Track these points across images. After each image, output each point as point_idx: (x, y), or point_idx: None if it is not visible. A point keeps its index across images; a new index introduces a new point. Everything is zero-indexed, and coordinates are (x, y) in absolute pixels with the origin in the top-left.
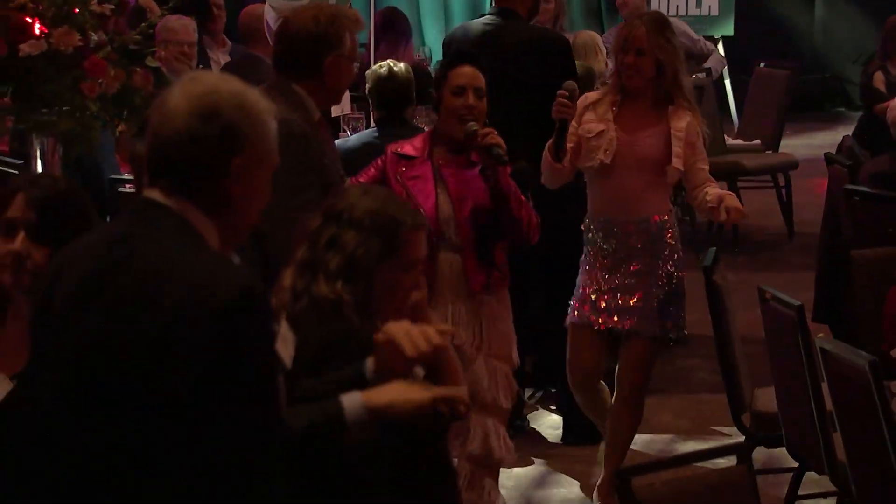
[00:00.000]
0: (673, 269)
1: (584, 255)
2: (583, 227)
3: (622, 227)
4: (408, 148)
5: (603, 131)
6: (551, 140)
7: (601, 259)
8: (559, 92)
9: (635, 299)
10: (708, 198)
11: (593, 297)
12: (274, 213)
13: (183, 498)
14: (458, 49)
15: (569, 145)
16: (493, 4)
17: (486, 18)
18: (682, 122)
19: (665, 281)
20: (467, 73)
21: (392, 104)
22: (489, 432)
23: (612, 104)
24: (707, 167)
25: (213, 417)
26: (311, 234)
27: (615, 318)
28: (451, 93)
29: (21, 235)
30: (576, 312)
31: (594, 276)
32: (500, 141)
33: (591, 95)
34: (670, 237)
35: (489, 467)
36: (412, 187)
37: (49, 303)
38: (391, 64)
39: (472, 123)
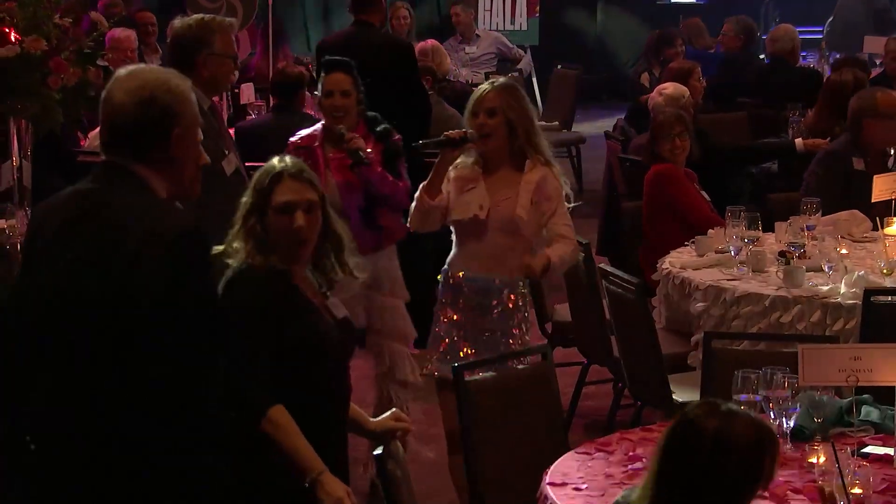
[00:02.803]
0: (519, 331)
1: (439, 303)
2: (440, 278)
3: (484, 284)
4: (305, 139)
5: (474, 187)
6: (427, 180)
7: (459, 309)
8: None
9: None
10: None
11: (448, 347)
12: None
13: (148, 391)
14: (327, 54)
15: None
16: (354, 18)
17: (348, 29)
18: (535, 176)
19: (517, 333)
20: (333, 79)
21: (286, 94)
22: (394, 353)
23: (476, 164)
24: (565, 223)
25: (171, 327)
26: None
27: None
28: (323, 96)
29: None
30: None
31: (452, 328)
32: (362, 144)
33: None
34: (522, 304)
35: (397, 383)
36: None
37: (33, 247)
38: (287, 64)
39: (340, 126)
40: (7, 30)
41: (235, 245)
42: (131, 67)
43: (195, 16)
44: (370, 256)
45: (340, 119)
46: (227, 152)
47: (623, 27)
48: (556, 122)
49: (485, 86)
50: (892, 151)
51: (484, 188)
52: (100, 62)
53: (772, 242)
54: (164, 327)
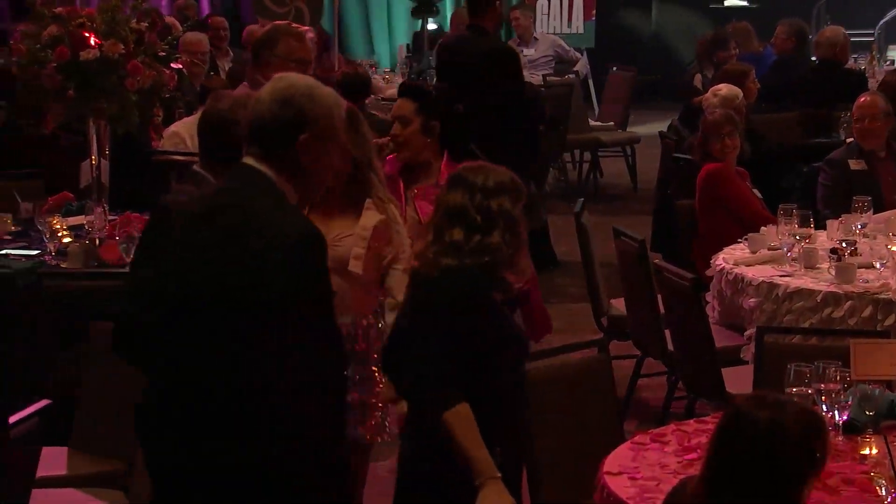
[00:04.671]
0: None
1: None
2: None
3: None
4: (388, 163)
5: None
6: None
7: None
8: None
9: None
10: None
11: None
12: None
13: (263, 376)
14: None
15: None
16: (469, 21)
17: (463, 32)
18: (372, 221)
19: (370, 384)
20: (396, 104)
21: (354, 95)
22: None
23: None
24: (403, 267)
25: (285, 324)
26: (475, 207)
27: None
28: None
29: None
30: None
31: None
32: None
33: None
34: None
35: None
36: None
37: (161, 242)
38: (356, 66)
39: None
40: (87, 34)
41: (496, 239)
42: (286, 73)
43: (274, 24)
44: None
45: (399, 149)
46: None
47: (678, 30)
48: (612, 122)
49: None
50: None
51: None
52: (173, 65)
53: (824, 240)
54: (279, 326)
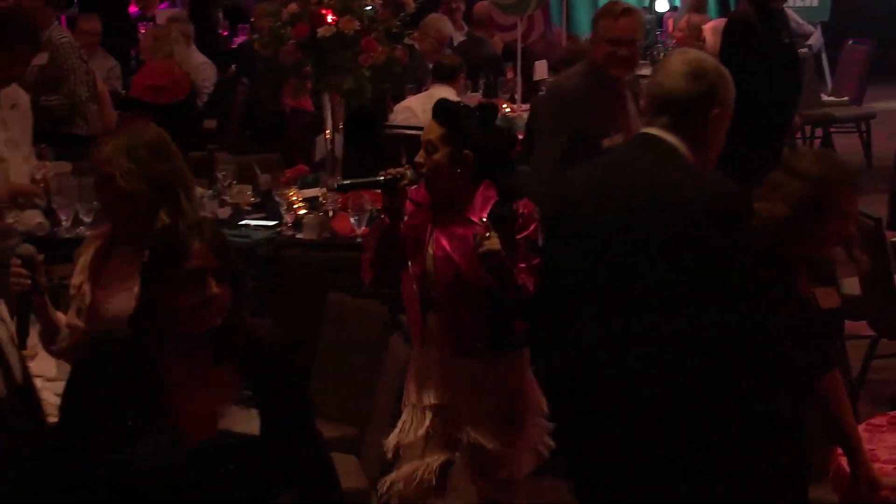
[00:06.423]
0: None
1: None
2: None
3: None
4: (415, 194)
5: (78, 287)
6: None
7: None
8: (13, 260)
9: None
10: None
11: None
12: None
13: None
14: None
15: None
16: None
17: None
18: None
19: None
20: (426, 127)
21: None
22: None
23: (99, 250)
24: None
25: (711, 293)
26: None
27: None
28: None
29: (212, 281)
30: None
31: None
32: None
33: (86, 245)
34: None
35: None
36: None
37: (561, 215)
38: (577, 42)
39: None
40: (324, 11)
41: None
42: (693, 50)
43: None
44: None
45: (430, 180)
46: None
47: None
48: (846, 97)
49: None
50: None
51: (87, 289)
52: (406, 41)
53: None
54: (696, 293)
